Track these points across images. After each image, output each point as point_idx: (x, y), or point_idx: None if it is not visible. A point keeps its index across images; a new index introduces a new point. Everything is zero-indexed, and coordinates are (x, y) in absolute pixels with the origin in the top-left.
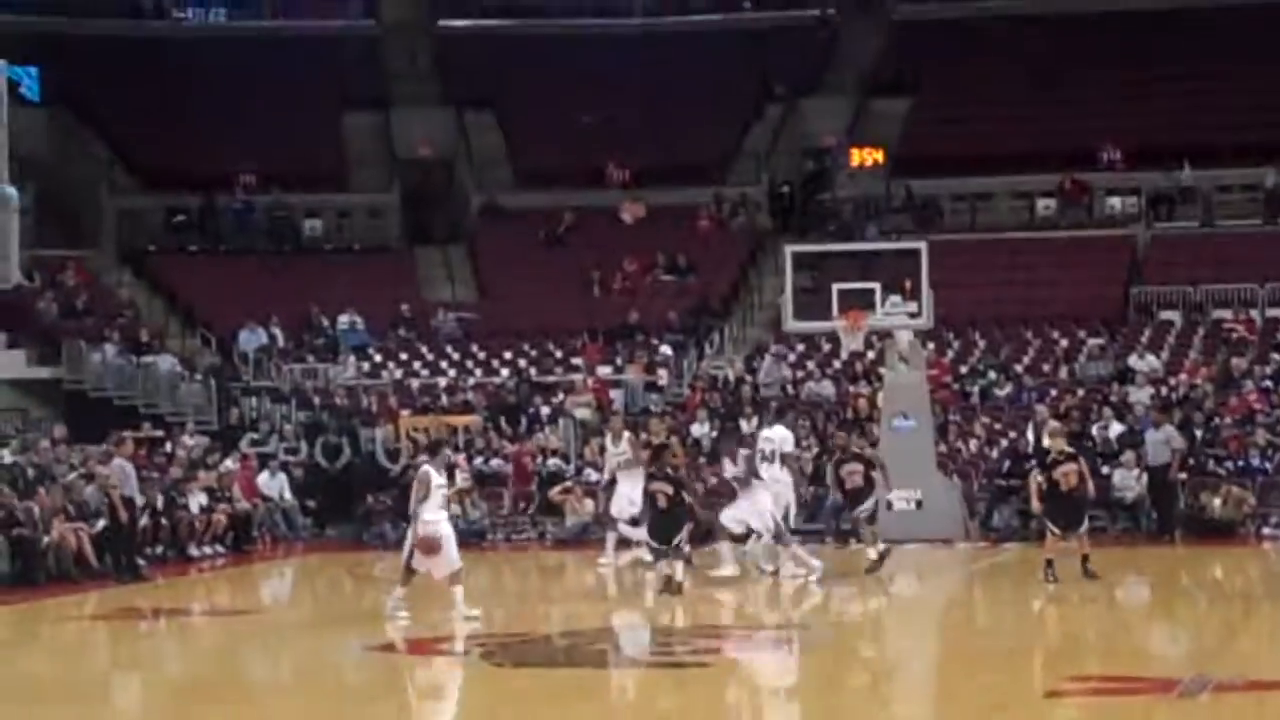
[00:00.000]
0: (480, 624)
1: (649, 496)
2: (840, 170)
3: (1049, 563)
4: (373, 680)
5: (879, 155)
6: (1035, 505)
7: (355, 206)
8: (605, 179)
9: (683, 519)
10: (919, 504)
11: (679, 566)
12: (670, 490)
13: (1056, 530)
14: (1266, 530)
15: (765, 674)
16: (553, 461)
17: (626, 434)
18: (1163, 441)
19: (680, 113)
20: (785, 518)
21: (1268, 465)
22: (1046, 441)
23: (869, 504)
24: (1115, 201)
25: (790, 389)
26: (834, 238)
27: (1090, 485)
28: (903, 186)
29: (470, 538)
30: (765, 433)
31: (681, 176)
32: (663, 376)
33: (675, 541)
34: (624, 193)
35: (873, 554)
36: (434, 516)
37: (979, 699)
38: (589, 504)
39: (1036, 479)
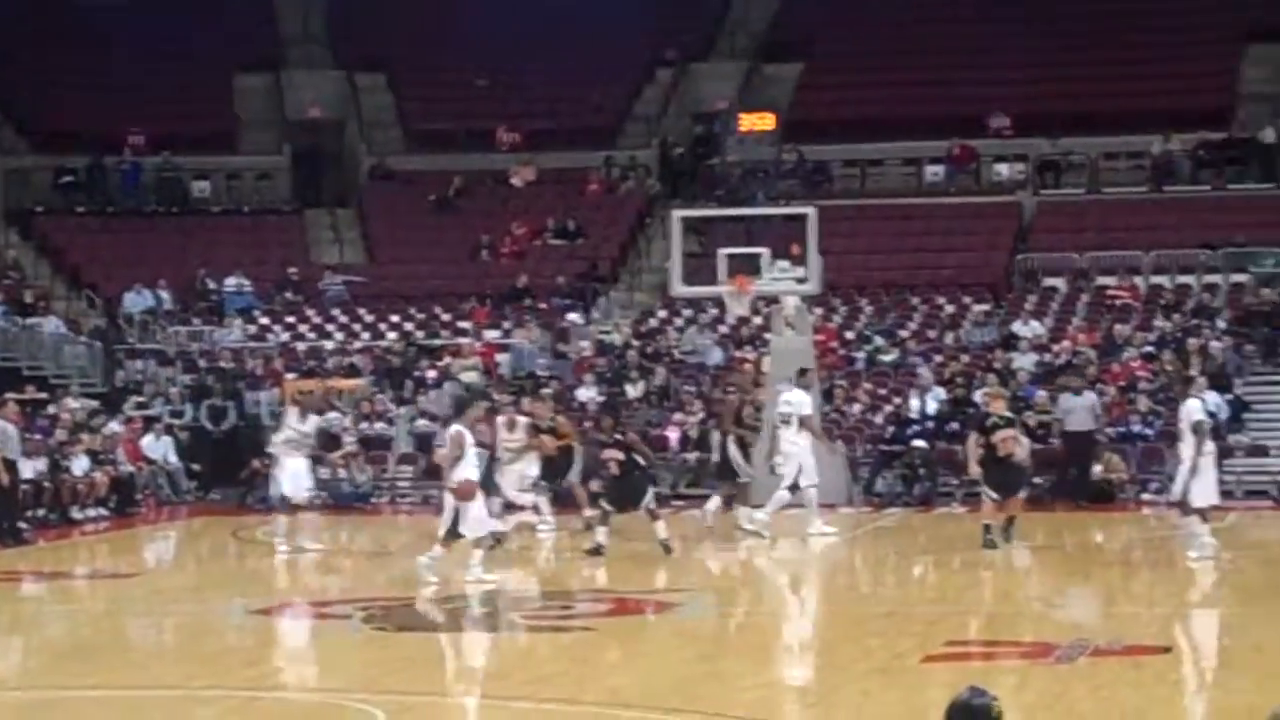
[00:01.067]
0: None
1: (602, 464)
2: (730, 135)
3: (987, 528)
4: (255, 643)
5: (769, 120)
6: (973, 470)
7: (244, 168)
8: (495, 142)
9: (642, 484)
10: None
11: (661, 526)
12: (622, 456)
13: (994, 496)
14: (1146, 496)
15: (646, 637)
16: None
17: (522, 420)
18: (1086, 408)
19: (571, 76)
20: (796, 483)
21: (1149, 431)
22: (983, 403)
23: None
24: (1003, 168)
25: (676, 354)
26: (723, 203)
27: (1026, 451)
28: (793, 151)
29: (355, 501)
30: (784, 396)
31: (572, 140)
32: (545, 343)
33: (643, 505)
34: (514, 156)
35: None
36: (469, 475)
37: (858, 663)
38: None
39: (975, 442)
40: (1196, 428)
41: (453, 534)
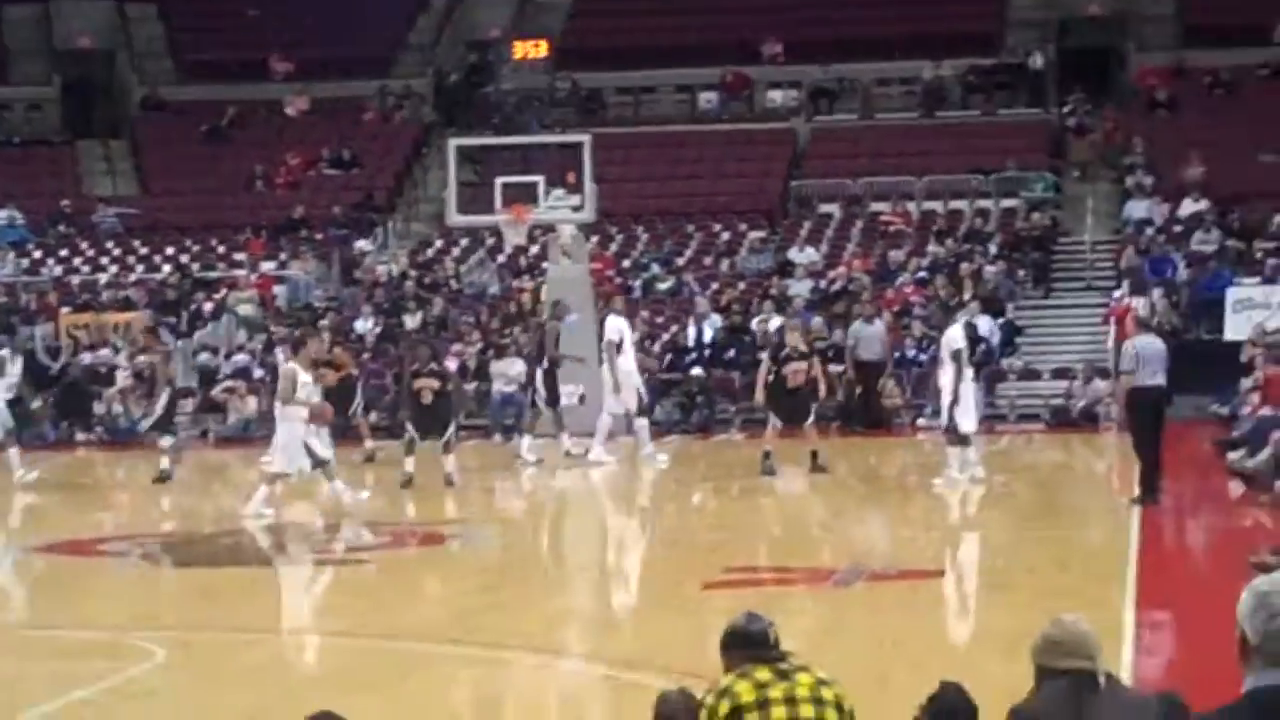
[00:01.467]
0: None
1: (414, 392)
2: (504, 63)
3: (767, 454)
4: (31, 581)
5: (543, 47)
6: (759, 396)
7: (14, 99)
8: (269, 72)
9: (448, 415)
10: (582, 398)
11: (450, 460)
12: (437, 385)
13: (779, 422)
14: (921, 421)
15: (427, 569)
16: (205, 357)
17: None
18: (876, 335)
19: (345, 5)
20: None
21: (923, 357)
22: (782, 334)
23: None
24: (776, 95)
25: (455, 283)
26: (497, 131)
27: (821, 382)
28: (567, 79)
29: (131, 437)
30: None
31: (346, 69)
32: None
33: (445, 437)
34: (288, 86)
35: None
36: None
37: (639, 591)
38: (252, 402)
39: (766, 370)
40: (956, 355)
41: (318, 461)
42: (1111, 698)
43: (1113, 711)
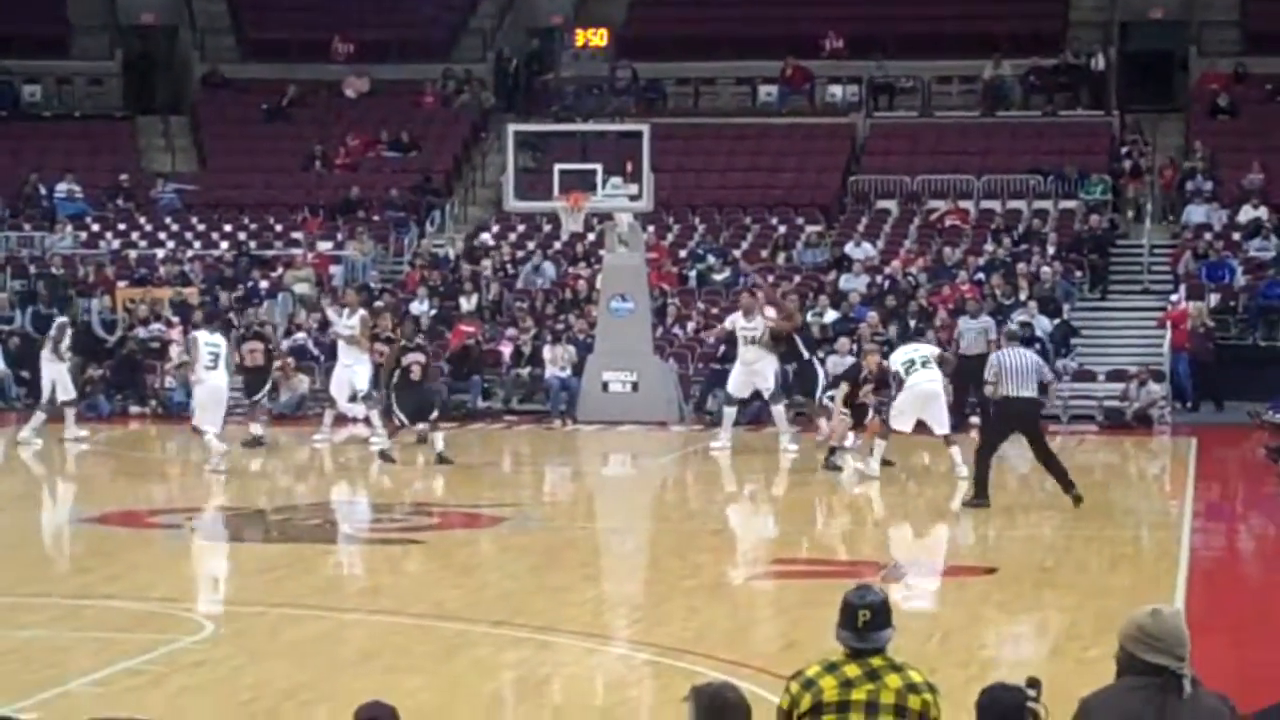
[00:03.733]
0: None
1: (404, 369)
2: (565, 50)
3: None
4: (84, 551)
5: (603, 36)
6: (837, 429)
7: (76, 73)
8: (330, 53)
9: (434, 390)
10: (635, 386)
11: (439, 438)
12: (424, 360)
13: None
14: (973, 419)
15: (474, 551)
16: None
17: (361, 312)
18: (980, 330)
19: None
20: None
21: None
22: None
23: None
24: (836, 90)
25: (510, 269)
26: (557, 118)
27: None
28: (627, 68)
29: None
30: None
31: (407, 52)
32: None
33: (434, 415)
34: (349, 67)
35: None
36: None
37: (686, 579)
38: (304, 379)
39: (844, 393)
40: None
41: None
42: (1194, 704)
43: (1193, 717)
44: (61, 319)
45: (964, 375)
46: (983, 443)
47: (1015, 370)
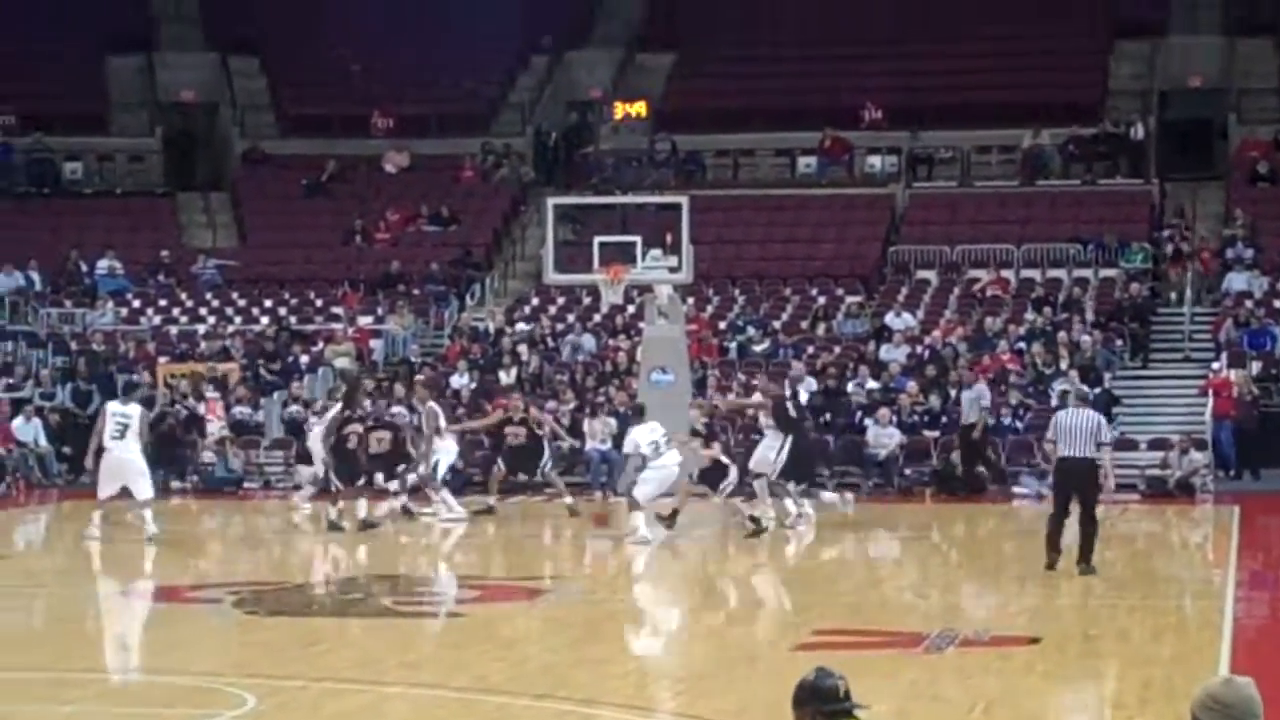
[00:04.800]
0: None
1: (341, 438)
2: (604, 123)
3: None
4: (125, 627)
5: (642, 108)
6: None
7: (116, 150)
8: (370, 128)
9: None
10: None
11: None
12: (361, 431)
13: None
14: (1016, 489)
15: (517, 625)
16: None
17: (430, 404)
18: (974, 399)
19: (446, 62)
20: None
21: (1019, 424)
22: None
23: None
24: (875, 160)
25: (551, 341)
26: (596, 191)
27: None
28: (666, 141)
29: (227, 486)
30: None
31: (446, 126)
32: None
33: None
34: (388, 142)
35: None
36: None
37: (728, 651)
38: None
39: None
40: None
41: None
42: None
43: None
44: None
45: (963, 443)
46: (1054, 505)
47: (1072, 430)
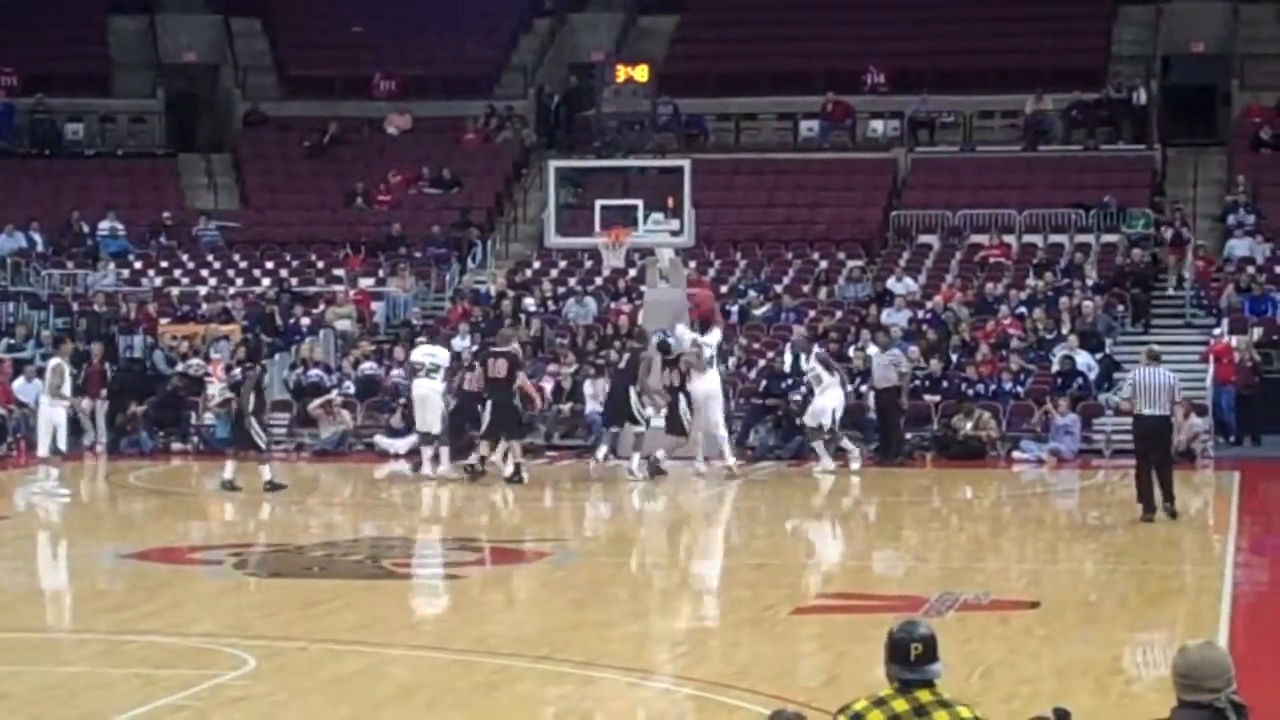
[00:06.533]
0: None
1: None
2: (606, 86)
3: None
4: (125, 588)
5: (644, 72)
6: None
7: (118, 111)
8: (372, 90)
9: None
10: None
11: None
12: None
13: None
14: (1016, 453)
15: (516, 586)
16: (314, 372)
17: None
18: (888, 364)
19: (449, 24)
20: None
21: (1020, 389)
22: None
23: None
24: (877, 125)
25: (551, 304)
26: (598, 154)
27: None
28: (669, 104)
29: (228, 447)
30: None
31: (448, 89)
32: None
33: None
34: (390, 104)
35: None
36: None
37: (728, 614)
38: (346, 415)
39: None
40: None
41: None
42: None
43: None
44: (55, 361)
45: (880, 407)
46: (1137, 462)
47: (1149, 388)
